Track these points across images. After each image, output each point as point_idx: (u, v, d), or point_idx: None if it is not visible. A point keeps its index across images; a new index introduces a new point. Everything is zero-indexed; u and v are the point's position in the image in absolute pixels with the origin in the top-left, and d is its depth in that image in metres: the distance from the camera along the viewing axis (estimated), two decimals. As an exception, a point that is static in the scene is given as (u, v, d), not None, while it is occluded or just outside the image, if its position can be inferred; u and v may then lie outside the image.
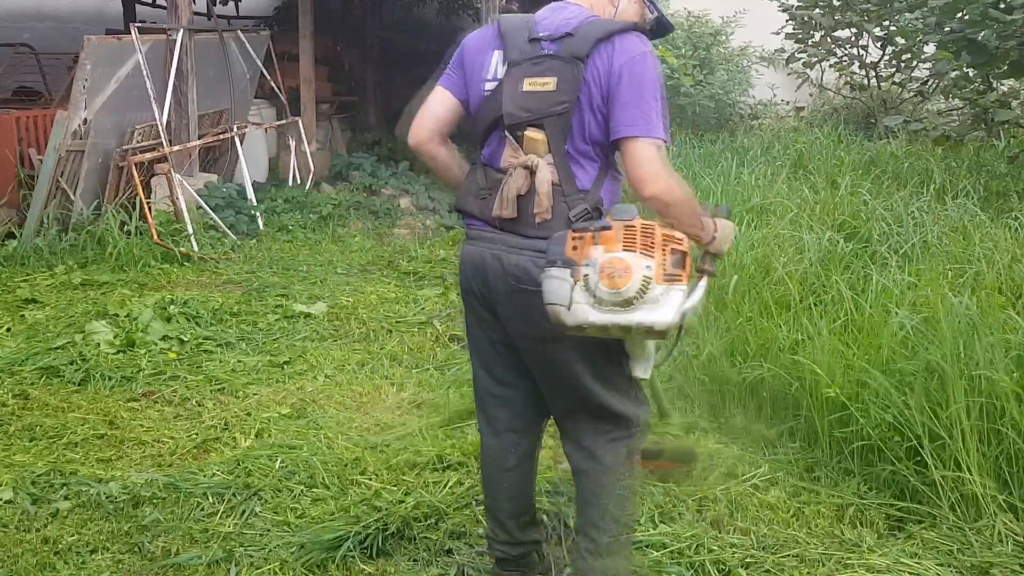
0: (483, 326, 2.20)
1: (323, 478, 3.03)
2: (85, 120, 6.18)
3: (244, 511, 2.86)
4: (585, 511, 2.20)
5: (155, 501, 2.91)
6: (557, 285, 1.86)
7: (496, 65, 2.10)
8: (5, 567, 2.55)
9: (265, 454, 3.22)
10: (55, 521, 2.80)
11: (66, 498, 2.93)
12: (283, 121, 8.67)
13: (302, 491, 2.97)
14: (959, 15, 6.31)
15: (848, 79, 10.41)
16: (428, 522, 2.74)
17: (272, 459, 3.17)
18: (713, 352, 3.68)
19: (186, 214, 6.33)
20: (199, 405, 3.77)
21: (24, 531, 2.75)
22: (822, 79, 11.15)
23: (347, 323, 4.89)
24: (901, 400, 2.92)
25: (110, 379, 3.95)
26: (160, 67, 6.71)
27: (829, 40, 10.03)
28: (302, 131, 8.46)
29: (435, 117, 2.20)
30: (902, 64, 9.77)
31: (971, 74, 7.06)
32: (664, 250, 1.86)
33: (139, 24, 6.70)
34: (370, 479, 3.03)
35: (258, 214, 7.16)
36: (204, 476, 3.06)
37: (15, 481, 3.01)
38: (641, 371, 2.10)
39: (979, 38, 5.96)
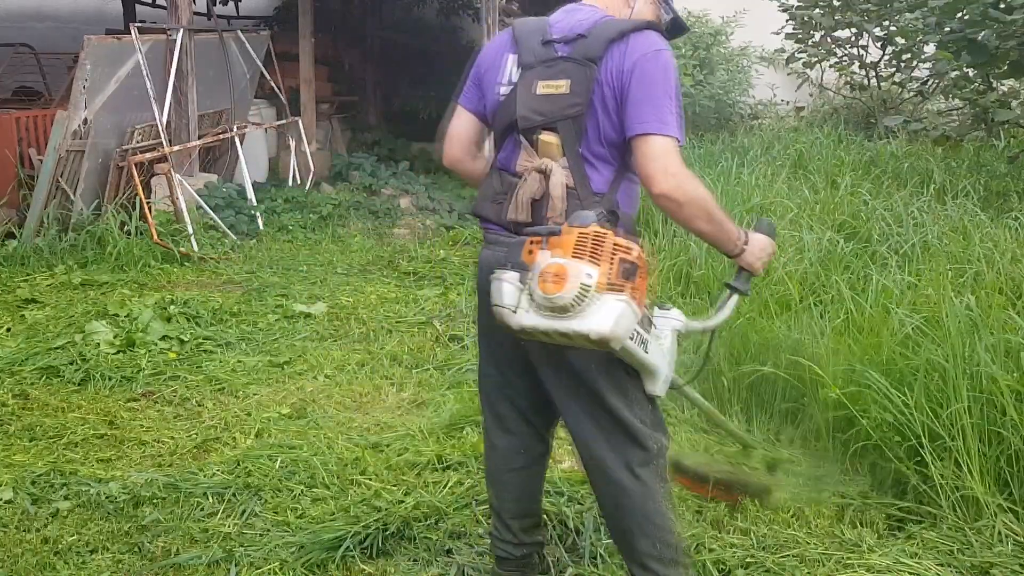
0: (496, 328, 2.17)
1: (323, 478, 3.03)
2: (85, 120, 6.18)
3: (244, 511, 2.86)
4: (626, 544, 2.12)
5: (155, 501, 2.90)
6: (506, 288, 1.88)
7: (511, 69, 2.09)
8: (5, 567, 2.55)
9: (265, 454, 3.22)
10: (55, 521, 2.80)
11: (66, 498, 2.92)
12: (283, 121, 8.67)
13: (302, 491, 2.96)
14: (959, 15, 6.30)
15: (848, 79, 10.40)
16: (428, 522, 2.74)
17: (272, 459, 3.17)
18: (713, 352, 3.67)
19: (186, 214, 6.33)
20: (199, 405, 3.77)
21: (24, 531, 2.74)
22: (822, 79, 11.14)
23: (347, 323, 4.89)
24: (901, 400, 2.91)
25: (110, 379, 3.95)
26: (160, 67, 6.71)
27: (829, 40, 10.02)
28: (302, 131, 8.46)
29: (459, 137, 2.24)
30: (902, 64, 9.76)
31: (971, 74, 7.06)
32: (612, 259, 1.80)
33: (139, 24, 6.70)
34: (370, 479, 3.03)
35: (258, 214, 7.16)
36: (204, 476, 3.06)
37: (15, 481, 3.01)
38: (653, 387, 2.03)
39: (979, 38, 5.96)
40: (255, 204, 7.23)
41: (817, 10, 9.70)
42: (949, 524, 2.69)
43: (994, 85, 7.22)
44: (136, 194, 6.14)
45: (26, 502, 2.89)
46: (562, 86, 1.97)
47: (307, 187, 8.21)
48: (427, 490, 2.93)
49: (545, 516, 2.71)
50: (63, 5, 12.61)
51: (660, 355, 2.01)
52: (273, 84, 8.52)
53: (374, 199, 8.07)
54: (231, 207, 7.02)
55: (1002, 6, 5.82)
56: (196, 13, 7.45)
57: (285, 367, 4.21)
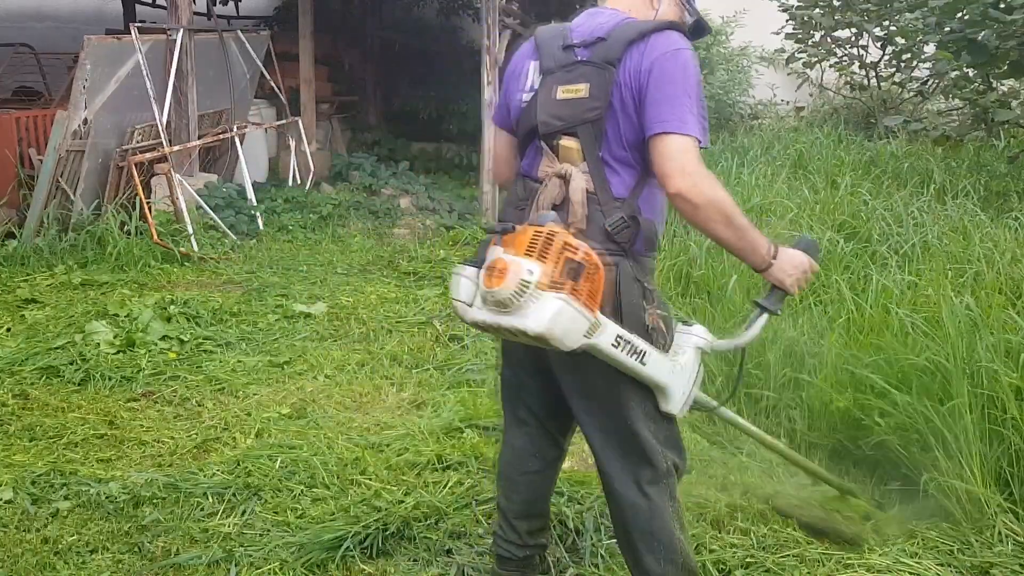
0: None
1: (323, 478, 3.03)
2: (85, 120, 6.18)
3: (244, 511, 2.86)
4: (631, 557, 2.10)
5: (155, 501, 2.90)
6: (463, 283, 1.90)
7: (532, 76, 2.08)
8: (5, 567, 2.55)
9: (265, 454, 3.21)
10: (55, 521, 2.80)
11: (66, 498, 2.92)
12: (283, 121, 8.67)
13: (302, 491, 2.96)
14: (959, 15, 6.31)
15: (848, 79, 10.41)
16: (428, 522, 2.74)
17: (272, 459, 3.17)
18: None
19: (186, 214, 6.33)
20: (199, 405, 3.77)
21: (24, 531, 2.74)
22: (822, 79, 11.15)
23: (347, 323, 4.89)
24: (904, 400, 2.91)
25: (110, 379, 3.95)
26: (160, 67, 6.71)
27: (829, 40, 10.03)
28: (302, 131, 8.46)
29: (500, 157, 2.27)
30: (902, 64, 9.76)
31: (971, 74, 7.06)
32: (559, 258, 1.78)
33: (139, 24, 6.70)
34: (370, 479, 3.03)
35: (258, 214, 7.16)
36: (204, 476, 3.06)
37: (15, 481, 3.01)
38: (665, 405, 1.99)
39: (979, 38, 5.96)
40: (255, 204, 7.23)
41: (817, 10, 9.71)
42: (949, 524, 2.69)
43: (994, 85, 7.23)
44: (136, 194, 6.14)
45: (26, 502, 2.89)
46: (581, 90, 1.95)
47: (307, 187, 8.21)
48: (427, 490, 2.92)
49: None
50: (63, 5, 12.61)
51: (667, 370, 1.95)
52: (273, 84, 8.52)
53: (374, 199, 8.08)
54: (231, 207, 7.02)
55: (1002, 6, 5.82)
56: (196, 13, 7.45)
57: (285, 367, 4.20)
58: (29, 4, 12.34)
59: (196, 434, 3.46)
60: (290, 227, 7.16)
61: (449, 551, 2.62)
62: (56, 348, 4.26)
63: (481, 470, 3.06)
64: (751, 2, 11.27)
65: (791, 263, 2.00)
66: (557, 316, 1.75)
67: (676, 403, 2.00)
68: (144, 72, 6.36)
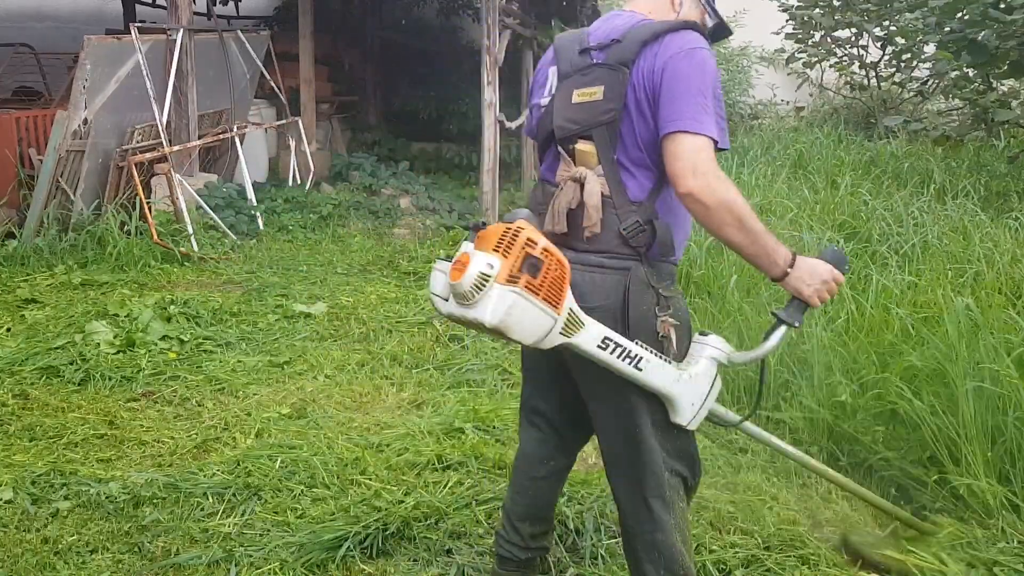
0: None
1: (323, 478, 3.03)
2: (85, 120, 6.18)
3: (244, 511, 2.85)
4: (633, 564, 2.09)
5: (155, 501, 2.90)
6: (439, 277, 1.92)
7: (552, 82, 2.08)
8: (5, 567, 2.55)
9: (265, 454, 3.21)
10: (55, 521, 2.80)
11: (66, 498, 2.92)
12: (283, 121, 8.67)
13: (302, 491, 2.96)
14: (959, 15, 6.31)
15: (848, 79, 10.42)
16: (428, 522, 2.74)
17: (272, 459, 3.17)
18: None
19: (186, 214, 6.33)
20: (199, 405, 3.76)
21: (24, 531, 2.74)
22: (822, 79, 11.16)
23: (347, 323, 4.89)
24: (906, 401, 2.91)
25: (110, 379, 3.95)
26: (160, 67, 6.71)
27: (829, 40, 10.04)
28: (302, 131, 8.46)
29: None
30: (902, 64, 9.77)
31: (971, 74, 7.07)
32: (520, 253, 1.76)
33: (139, 24, 6.70)
34: (370, 479, 3.02)
35: (258, 214, 7.16)
36: (204, 476, 3.06)
37: (15, 481, 3.00)
38: (674, 415, 1.97)
39: (979, 38, 5.96)
40: (255, 204, 7.23)
41: (817, 10, 9.72)
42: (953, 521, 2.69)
43: (994, 85, 7.23)
44: (136, 194, 6.13)
45: (26, 502, 2.88)
46: (596, 93, 1.93)
47: (307, 187, 8.21)
48: (427, 490, 2.92)
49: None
50: (63, 5, 12.61)
51: (671, 379, 1.92)
52: (273, 84, 8.52)
53: (374, 199, 8.08)
54: (231, 207, 7.02)
55: (1002, 6, 5.82)
56: (196, 13, 7.45)
57: (285, 367, 4.20)
58: (29, 4, 12.34)
59: (196, 434, 3.46)
60: (290, 227, 7.16)
61: (449, 551, 2.61)
62: (56, 348, 4.25)
63: (481, 470, 3.06)
64: (751, 2, 11.27)
65: (810, 273, 1.92)
66: (511, 309, 1.75)
67: (685, 414, 1.96)
68: (144, 72, 6.36)
